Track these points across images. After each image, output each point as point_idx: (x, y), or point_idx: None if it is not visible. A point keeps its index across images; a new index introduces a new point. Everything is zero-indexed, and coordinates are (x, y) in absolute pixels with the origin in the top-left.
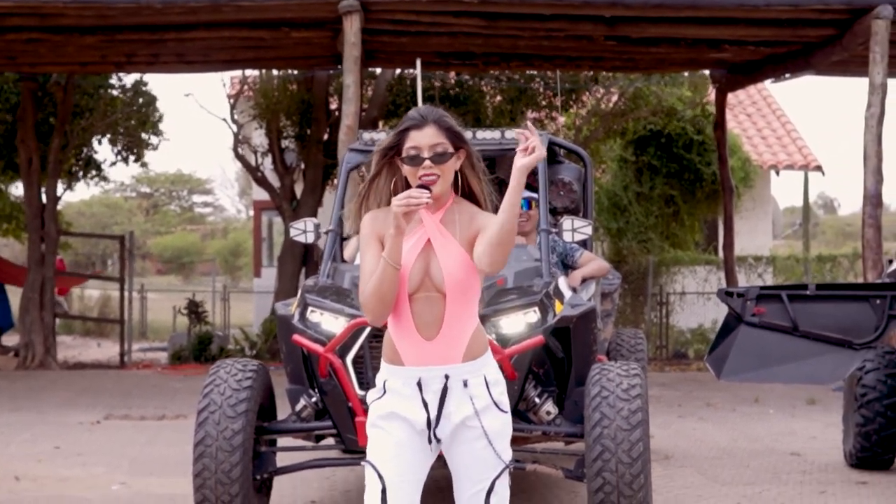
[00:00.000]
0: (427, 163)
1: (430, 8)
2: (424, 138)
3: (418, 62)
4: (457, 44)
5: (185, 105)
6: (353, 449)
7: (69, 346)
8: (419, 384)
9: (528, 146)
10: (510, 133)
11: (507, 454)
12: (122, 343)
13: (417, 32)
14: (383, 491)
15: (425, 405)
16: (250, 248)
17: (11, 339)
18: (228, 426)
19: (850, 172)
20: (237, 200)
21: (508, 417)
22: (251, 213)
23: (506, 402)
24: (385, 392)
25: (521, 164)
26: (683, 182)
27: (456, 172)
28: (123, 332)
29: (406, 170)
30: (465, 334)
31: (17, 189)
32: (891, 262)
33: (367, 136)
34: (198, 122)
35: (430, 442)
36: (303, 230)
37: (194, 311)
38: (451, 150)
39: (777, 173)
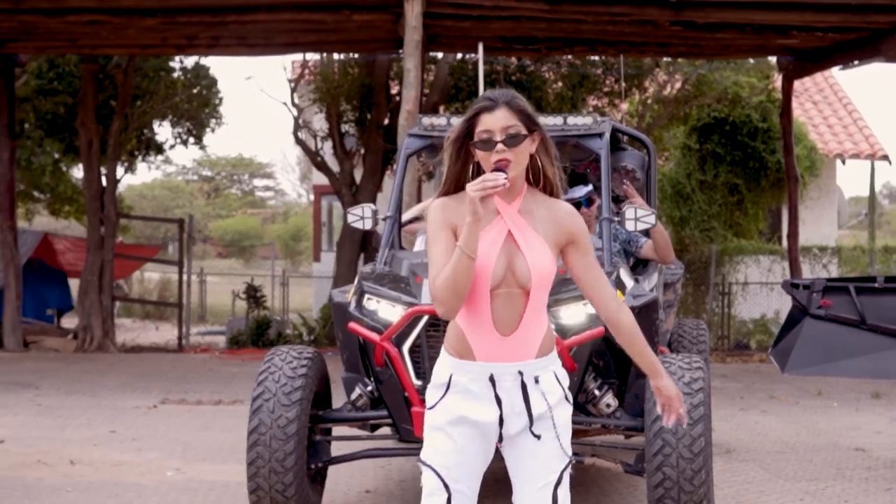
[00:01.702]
0: (500, 146)
1: None
2: (496, 121)
3: (480, 47)
4: (519, 28)
5: (246, 89)
6: (409, 439)
7: (128, 329)
8: (491, 380)
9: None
10: (572, 119)
11: (570, 449)
12: (181, 327)
13: (480, 17)
14: (449, 500)
15: (498, 402)
16: (310, 233)
17: (71, 322)
18: (283, 414)
19: None
20: (298, 184)
21: (570, 413)
22: (311, 197)
23: (570, 396)
24: (449, 388)
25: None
26: (748, 170)
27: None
28: (182, 315)
29: (479, 155)
30: (541, 331)
31: (78, 171)
32: None
33: (426, 120)
34: (258, 106)
35: (500, 440)
36: (360, 216)
37: (252, 295)
38: (524, 132)
39: (843, 162)
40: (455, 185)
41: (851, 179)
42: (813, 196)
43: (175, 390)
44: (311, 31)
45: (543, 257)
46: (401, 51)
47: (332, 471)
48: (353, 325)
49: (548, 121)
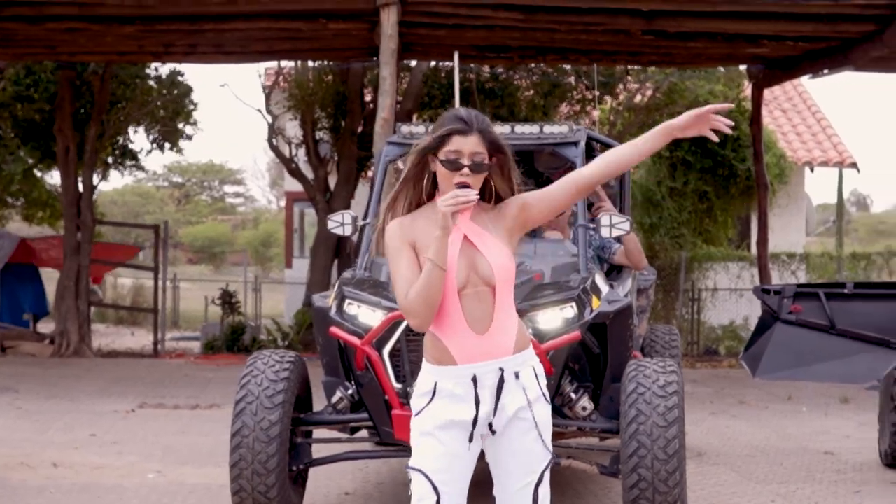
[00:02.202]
0: (466, 170)
1: (468, 1)
2: (467, 145)
3: (456, 56)
4: (494, 37)
5: (220, 95)
6: (389, 441)
7: (102, 334)
8: (474, 380)
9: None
10: (549, 128)
11: (550, 445)
12: (156, 332)
13: (455, 25)
14: (438, 503)
15: (477, 402)
16: (281, 239)
17: (47, 327)
18: (265, 417)
19: (884, 169)
20: (268, 191)
21: (549, 409)
22: (282, 203)
23: (547, 394)
24: (434, 395)
25: (680, 134)
26: (717, 178)
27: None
28: (157, 321)
29: (441, 171)
30: (514, 325)
31: (52, 178)
32: None
33: (405, 129)
34: (230, 113)
35: (470, 440)
36: (340, 222)
37: (228, 301)
38: (487, 161)
39: (811, 170)
40: (406, 191)
41: (820, 187)
42: (782, 203)
43: (152, 395)
44: (286, 39)
45: (501, 253)
46: (376, 59)
47: (313, 473)
48: (334, 329)
49: (524, 129)
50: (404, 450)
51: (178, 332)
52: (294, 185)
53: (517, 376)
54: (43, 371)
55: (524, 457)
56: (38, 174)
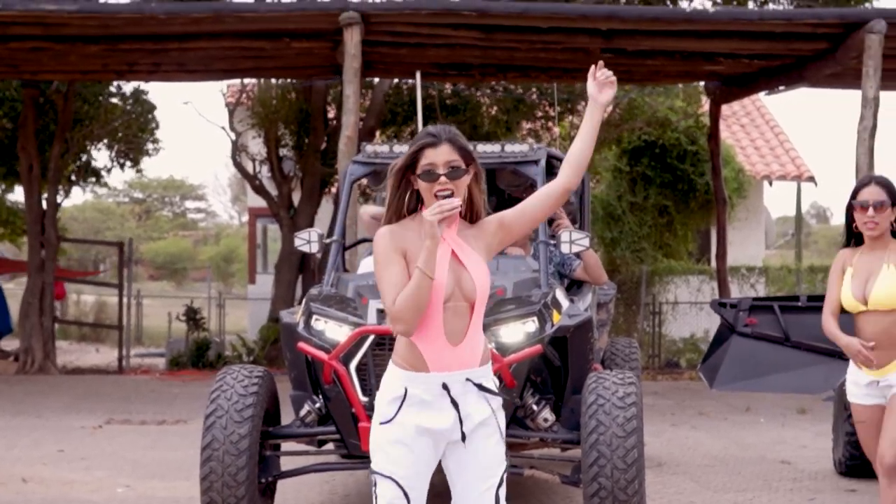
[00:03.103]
0: (443, 178)
1: (429, 20)
2: (440, 155)
3: (418, 75)
4: (454, 55)
5: (182, 112)
6: (356, 453)
7: (66, 350)
8: (444, 387)
9: (601, 78)
10: (510, 146)
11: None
12: (121, 348)
13: (416, 44)
14: None
15: (455, 405)
16: (243, 255)
17: (10, 344)
18: (235, 430)
19: (843, 182)
20: (230, 206)
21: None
22: (244, 219)
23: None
24: (404, 401)
25: (602, 101)
26: (677, 192)
27: None
28: (122, 337)
29: (422, 186)
30: (482, 341)
31: (13, 195)
32: None
33: (370, 148)
34: (192, 129)
35: (463, 439)
36: (307, 240)
37: (192, 317)
38: (463, 166)
39: (770, 184)
40: (397, 212)
41: (778, 200)
42: (741, 217)
43: (119, 411)
44: (249, 58)
45: (483, 273)
46: (339, 76)
47: (281, 485)
48: (302, 344)
49: (486, 148)
50: (370, 462)
51: (143, 348)
52: (257, 202)
53: (481, 387)
54: (8, 388)
55: (487, 461)
56: None
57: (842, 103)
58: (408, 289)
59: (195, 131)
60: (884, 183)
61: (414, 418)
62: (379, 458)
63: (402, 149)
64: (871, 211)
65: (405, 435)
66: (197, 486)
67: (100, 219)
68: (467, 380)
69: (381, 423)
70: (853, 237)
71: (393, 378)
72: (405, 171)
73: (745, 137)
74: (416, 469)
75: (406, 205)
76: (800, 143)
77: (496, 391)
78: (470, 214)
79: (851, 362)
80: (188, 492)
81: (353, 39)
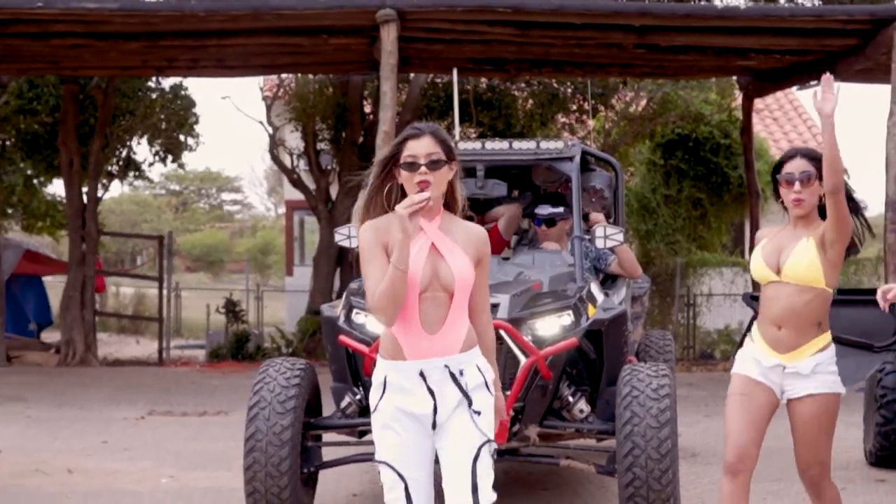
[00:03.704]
0: (423, 168)
1: (465, 17)
2: (421, 147)
3: (454, 72)
4: (490, 51)
5: (220, 106)
6: None
7: (105, 342)
8: (422, 375)
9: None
10: (545, 144)
11: (490, 432)
12: (161, 340)
13: (452, 40)
14: (406, 489)
15: (431, 393)
16: (279, 247)
17: (51, 336)
18: (278, 422)
19: (876, 175)
20: (266, 198)
21: (493, 400)
22: (280, 210)
23: (492, 388)
24: (385, 389)
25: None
26: (710, 185)
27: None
28: (162, 329)
29: (403, 176)
30: (464, 328)
31: (52, 188)
32: None
33: None
34: (229, 122)
35: (434, 427)
36: (347, 235)
37: (232, 310)
38: (444, 158)
39: None
40: (376, 202)
41: None
42: (774, 209)
43: (160, 402)
44: (287, 54)
45: (464, 264)
46: (375, 72)
47: (322, 475)
48: (343, 337)
49: (522, 145)
50: None
51: (182, 340)
52: (294, 194)
53: (461, 373)
54: (50, 380)
55: (461, 438)
56: (37, 185)
57: (872, 98)
58: (384, 282)
59: (232, 125)
60: (811, 155)
61: (395, 403)
62: (377, 448)
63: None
64: (797, 185)
65: (390, 419)
66: (239, 477)
67: (137, 211)
68: (445, 367)
69: (371, 412)
70: None
71: (377, 367)
72: (388, 163)
73: (778, 131)
74: (405, 451)
75: (392, 198)
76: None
77: (483, 373)
78: (453, 210)
79: (756, 339)
80: (230, 482)
81: (389, 36)
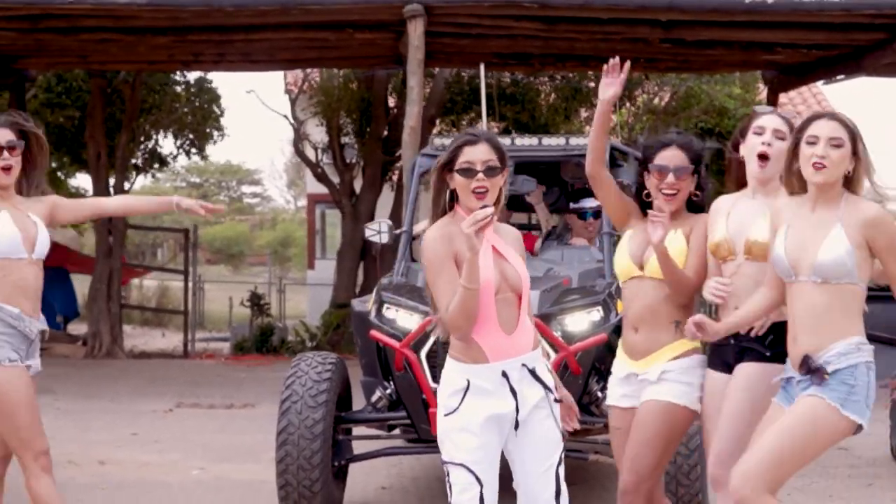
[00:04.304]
0: (480, 175)
1: (492, 12)
2: (478, 154)
3: (482, 67)
4: (515, 46)
5: (243, 99)
6: (427, 438)
7: (129, 335)
8: (504, 375)
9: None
10: (574, 140)
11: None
12: (186, 333)
13: (478, 35)
14: (481, 492)
15: (514, 393)
16: (299, 239)
17: (76, 329)
18: (310, 415)
19: None
20: (286, 191)
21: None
22: (300, 203)
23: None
24: (467, 392)
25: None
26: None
27: None
28: (187, 322)
29: (459, 182)
30: (532, 328)
31: (76, 181)
32: None
33: (438, 141)
34: (252, 116)
35: (516, 427)
36: (377, 231)
37: (257, 303)
38: (499, 165)
39: None
40: (442, 209)
41: None
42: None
43: (187, 394)
44: (313, 48)
45: (522, 265)
46: (401, 67)
47: (351, 468)
48: (374, 332)
49: (551, 141)
50: (438, 449)
51: (206, 332)
52: (316, 188)
53: (535, 371)
54: (78, 372)
55: (546, 442)
56: (62, 177)
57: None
58: (456, 301)
59: (255, 118)
60: (687, 146)
61: (477, 406)
62: (448, 448)
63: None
64: (670, 177)
65: (470, 422)
66: (268, 469)
67: None
68: (523, 365)
69: (446, 415)
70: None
71: (453, 371)
72: (445, 168)
73: None
74: (485, 453)
75: (442, 202)
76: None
77: (550, 372)
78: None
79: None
80: (260, 475)
81: (416, 31)
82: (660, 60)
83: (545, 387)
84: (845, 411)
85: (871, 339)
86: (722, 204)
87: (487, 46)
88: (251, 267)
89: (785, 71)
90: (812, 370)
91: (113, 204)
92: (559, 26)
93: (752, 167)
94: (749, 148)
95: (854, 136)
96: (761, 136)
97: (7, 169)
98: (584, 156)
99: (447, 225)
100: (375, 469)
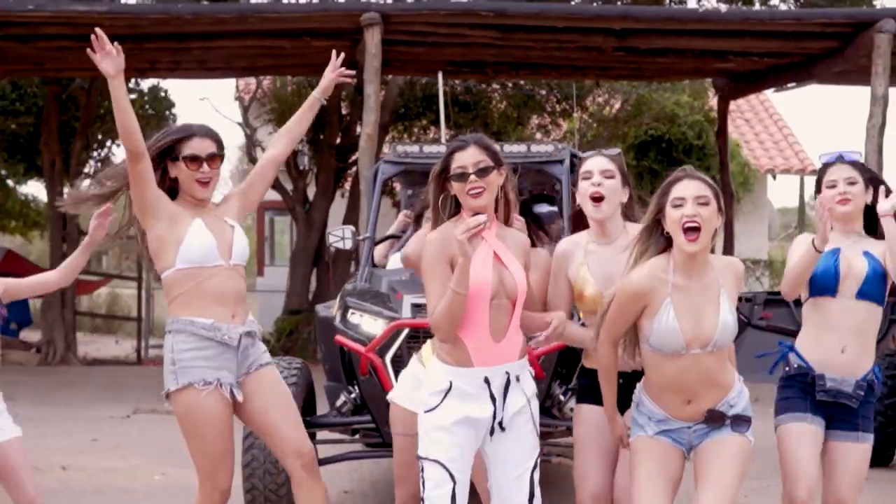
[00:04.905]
0: (473, 177)
1: (448, 20)
2: (468, 157)
3: (440, 76)
4: (470, 53)
5: (196, 107)
6: (389, 442)
7: (81, 342)
8: (486, 381)
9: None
10: (535, 147)
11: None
12: (140, 340)
13: (434, 43)
14: (454, 489)
15: (493, 399)
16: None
17: (30, 336)
18: None
19: None
20: None
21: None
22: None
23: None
24: (448, 393)
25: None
26: None
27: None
28: (141, 329)
29: (455, 187)
30: (522, 336)
31: (26, 188)
32: None
33: (400, 148)
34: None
35: (491, 433)
36: (341, 237)
37: None
38: (492, 164)
39: (774, 177)
40: (436, 214)
41: (780, 192)
42: (746, 210)
43: (144, 400)
44: (269, 56)
45: (520, 272)
46: (356, 74)
47: None
48: (339, 337)
49: (512, 148)
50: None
51: (157, 339)
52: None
53: (518, 379)
54: (34, 379)
55: (522, 447)
56: (11, 184)
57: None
58: (443, 304)
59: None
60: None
61: (457, 407)
62: (425, 444)
63: (431, 149)
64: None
65: (448, 421)
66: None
67: None
68: (506, 373)
69: (426, 412)
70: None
71: (438, 372)
72: (440, 176)
73: (749, 132)
74: (460, 452)
75: (447, 208)
76: (806, 139)
77: (532, 382)
78: (506, 213)
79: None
80: None
81: (373, 39)
82: (612, 68)
83: (528, 396)
84: (752, 437)
85: (774, 330)
86: (569, 248)
87: (442, 54)
88: None
89: (736, 79)
90: (715, 417)
91: (282, 143)
92: (515, 35)
93: (589, 209)
94: (582, 194)
95: (716, 191)
96: (590, 180)
97: (206, 182)
98: (545, 162)
99: (449, 229)
100: (338, 473)
